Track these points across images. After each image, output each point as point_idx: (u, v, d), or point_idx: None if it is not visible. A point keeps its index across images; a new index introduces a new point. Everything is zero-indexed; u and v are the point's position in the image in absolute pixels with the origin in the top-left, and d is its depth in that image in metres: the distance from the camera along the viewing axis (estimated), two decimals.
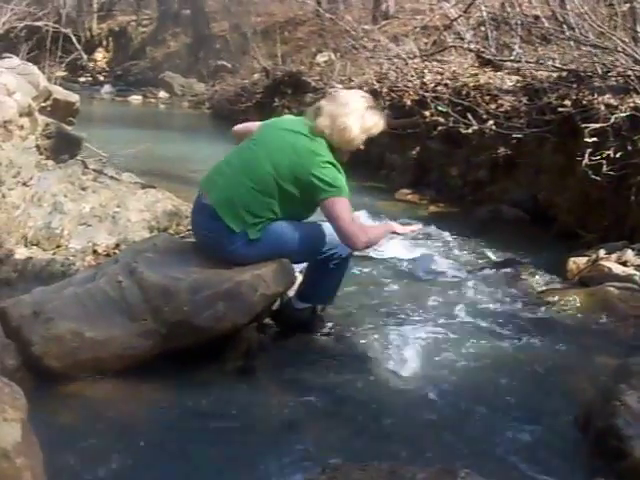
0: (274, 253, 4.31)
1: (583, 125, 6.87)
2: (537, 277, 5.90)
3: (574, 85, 7.75)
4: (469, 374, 4.24)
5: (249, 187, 4.23)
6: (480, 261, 6.59)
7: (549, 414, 3.82)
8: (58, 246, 5.94)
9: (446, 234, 7.36)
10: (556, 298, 5.33)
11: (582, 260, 6.04)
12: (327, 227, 4.40)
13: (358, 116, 4.36)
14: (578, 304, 5.22)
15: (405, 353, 4.37)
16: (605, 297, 5.23)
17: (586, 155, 6.63)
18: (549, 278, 5.91)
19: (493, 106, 8.78)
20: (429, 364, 4.29)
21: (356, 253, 6.04)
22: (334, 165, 4.25)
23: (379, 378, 4.14)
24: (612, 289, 5.28)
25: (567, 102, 7.57)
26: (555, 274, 6.00)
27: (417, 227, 4.94)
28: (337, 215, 4.17)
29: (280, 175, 4.21)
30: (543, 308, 5.25)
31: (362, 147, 4.47)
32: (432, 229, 7.52)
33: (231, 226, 4.22)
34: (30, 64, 8.34)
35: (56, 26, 18.77)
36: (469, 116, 8.63)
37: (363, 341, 4.57)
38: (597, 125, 6.77)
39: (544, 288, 5.70)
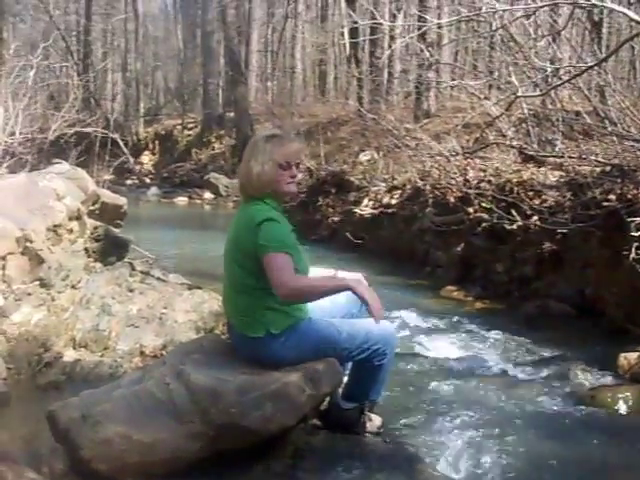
0: (312, 351, 4.27)
1: (629, 219, 6.84)
2: (587, 374, 5.81)
3: (618, 179, 7.75)
4: (520, 474, 4.17)
5: (238, 296, 4.31)
6: (528, 358, 6.51)
7: None
8: (106, 348, 5.99)
9: (493, 331, 7.29)
10: (608, 395, 5.24)
11: (633, 355, 5.94)
12: (366, 322, 4.37)
13: (259, 153, 4.25)
14: (631, 401, 5.13)
15: (455, 453, 4.31)
16: None
17: (633, 249, 6.58)
18: (599, 374, 5.82)
19: (537, 201, 8.79)
20: (479, 464, 4.22)
21: (403, 351, 6.06)
22: (269, 220, 4.14)
23: None
24: None
25: (612, 196, 7.56)
26: (606, 370, 5.90)
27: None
28: (271, 269, 4.05)
29: (244, 265, 4.22)
30: (594, 406, 5.15)
31: (294, 189, 4.33)
32: (479, 326, 7.48)
33: (253, 335, 4.23)
34: (79, 169, 8.52)
35: (104, 131, 19.24)
36: (513, 212, 8.65)
37: (412, 441, 4.51)
38: None
39: (595, 385, 5.61)
